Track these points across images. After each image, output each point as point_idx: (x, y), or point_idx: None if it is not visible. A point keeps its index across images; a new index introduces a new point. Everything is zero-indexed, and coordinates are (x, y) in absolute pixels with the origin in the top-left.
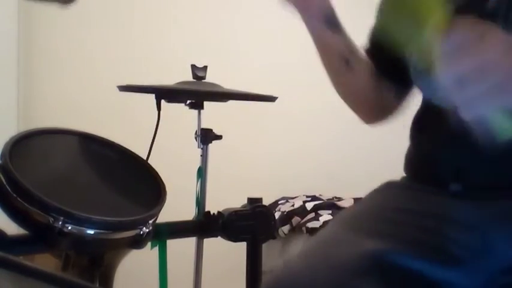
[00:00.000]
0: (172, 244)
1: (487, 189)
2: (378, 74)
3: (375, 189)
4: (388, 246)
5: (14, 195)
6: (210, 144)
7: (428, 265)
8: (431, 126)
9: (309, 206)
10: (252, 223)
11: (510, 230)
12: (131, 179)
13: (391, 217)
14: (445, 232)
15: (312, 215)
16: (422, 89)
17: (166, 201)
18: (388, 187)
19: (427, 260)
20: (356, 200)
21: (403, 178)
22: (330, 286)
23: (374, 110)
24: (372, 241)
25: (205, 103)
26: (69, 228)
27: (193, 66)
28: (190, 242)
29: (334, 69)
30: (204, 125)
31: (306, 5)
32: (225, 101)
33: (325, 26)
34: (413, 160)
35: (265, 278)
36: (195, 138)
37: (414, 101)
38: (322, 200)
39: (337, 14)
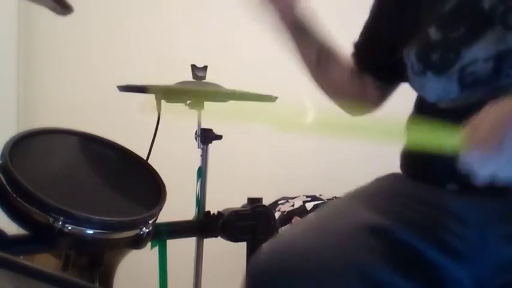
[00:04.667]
0: (172, 244)
1: (483, 189)
2: (362, 70)
3: (378, 177)
4: (393, 223)
5: (14, 195)
6: (210, 144)
7: (427, 247)
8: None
9: (309, 206)
10: (252, 223)
11: (507, 228)
12: (131, 179)
13: (393, 199)
14: (445, 223)
15: None
16: (417, 90)
17: (166, 201)
18: (392, 176)
19: (427, 242)
20: None
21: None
22: (326, 249)
23: (356, 103)
24: (373, 215)
25: (205, 103)
26: (69, 228)
27: (193, 66)
28: (190, 242)
29: (311, 66)
30: (204, 125)
31: (280, 7)
32: (225, 101)
33: (296, 30)
34: (409, 160)
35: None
36: (195, 138)
37: (410, 101)
38: (322, 200)
39: (308, 19)
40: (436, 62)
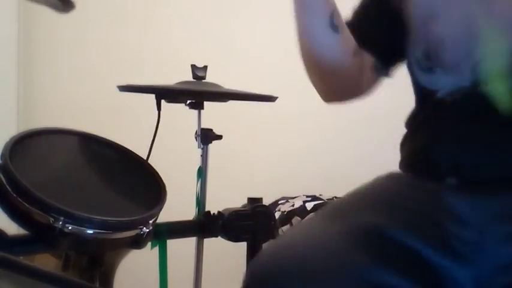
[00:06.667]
0: (172, 244)
1: (484, 184)
2: (359, 46)
3: (378, 176)
4: (392, 224)
5: (14, 195)
6: (210, 144)
7: (426, 248)
8: (428, 121)
9: (309, 206)
10: (252, 223)
11: (507, 229)
12: (131, 179)
13: (391, 200)
14: (443, 223)
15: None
16: (424, 84)
17: (166, 201)
18: (390, 177)
19: (426, 243)
20: None
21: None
22: (324, 252)
23: (349, 85)
24: (371, 217)
25: (205, 103)
26: (70, 228)
27: (193, 66)
28: (190, 242)
29: (316, 32)
30: (204, 125)
31: None
32: (225, 101)
33: None
34: (409, 154)
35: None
36: (195, 138)
37: (410, 99)
38: (322, 200)
39: None
40: (446, 59)
